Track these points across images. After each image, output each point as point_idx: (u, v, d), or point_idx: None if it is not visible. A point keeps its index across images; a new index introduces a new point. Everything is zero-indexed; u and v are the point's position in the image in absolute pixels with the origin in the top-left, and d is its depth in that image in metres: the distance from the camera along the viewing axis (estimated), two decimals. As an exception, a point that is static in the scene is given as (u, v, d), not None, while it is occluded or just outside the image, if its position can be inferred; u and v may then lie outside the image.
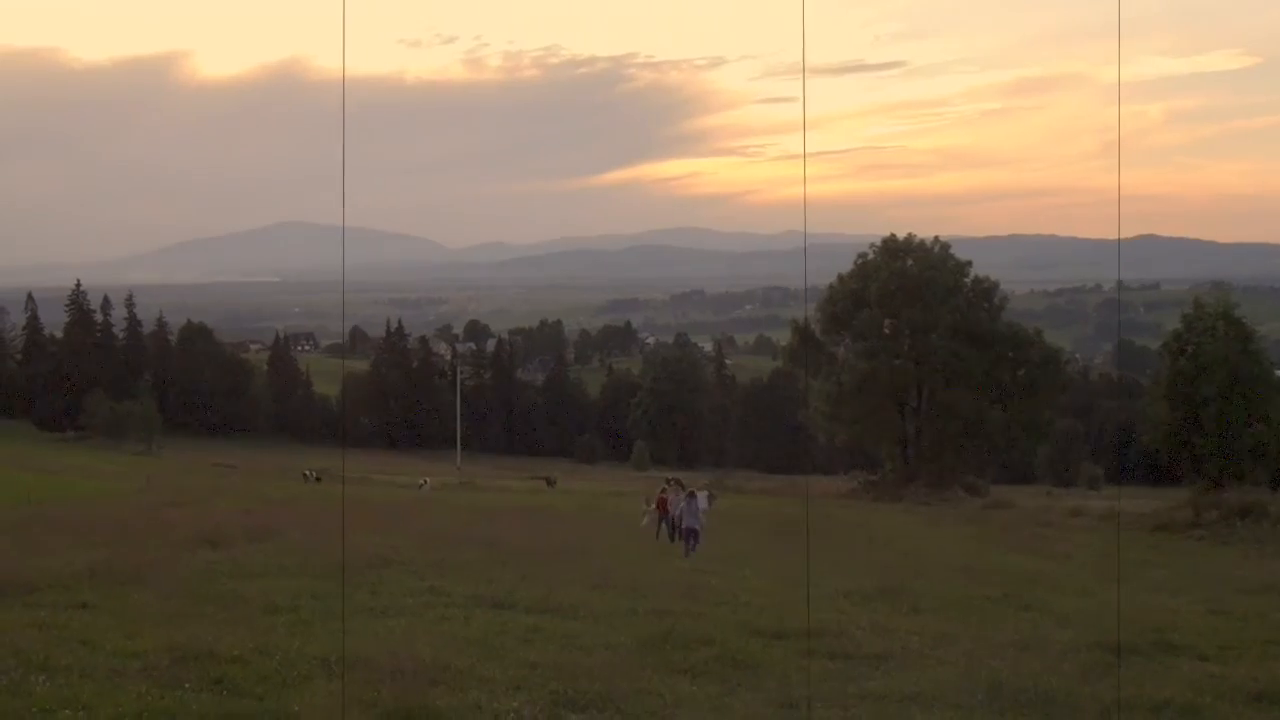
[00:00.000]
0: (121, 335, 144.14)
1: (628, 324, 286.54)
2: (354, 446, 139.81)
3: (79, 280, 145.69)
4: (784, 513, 45.96)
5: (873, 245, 64.87)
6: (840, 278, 65.38)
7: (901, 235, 64.73)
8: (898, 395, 63.27)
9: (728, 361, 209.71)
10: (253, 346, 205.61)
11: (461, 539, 27.50)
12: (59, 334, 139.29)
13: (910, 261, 63.07)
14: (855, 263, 64.91)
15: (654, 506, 33.69)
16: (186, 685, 11.11)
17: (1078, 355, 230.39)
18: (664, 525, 31.87)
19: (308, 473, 69.49)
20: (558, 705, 11.01)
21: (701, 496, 30.34)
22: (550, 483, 76.60)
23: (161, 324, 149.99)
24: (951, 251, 64.25)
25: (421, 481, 66.69)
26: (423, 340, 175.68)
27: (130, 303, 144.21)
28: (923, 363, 61.76)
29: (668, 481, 35.29)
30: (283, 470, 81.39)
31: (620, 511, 43.89)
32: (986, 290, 63.84)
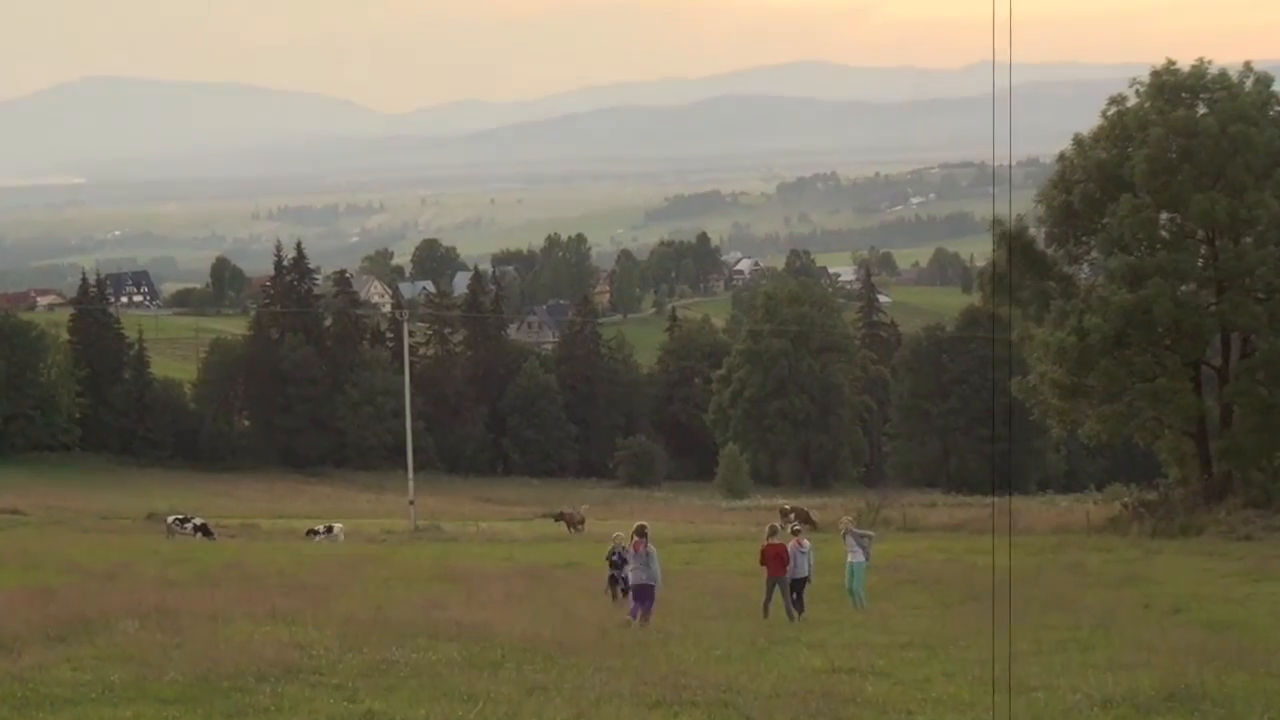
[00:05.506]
0: None
1: (702, 237, 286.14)
2: (229, 470, 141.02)
3: None
4: (990, 562, 45.87)
5: (1135, 82, 64.42)
6: (1078, 142, 64.99)
7: (1185, 65, 64.17)
8: (1187, 348, 62.89)
9: (881, 297, 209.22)
10: (42, 300, 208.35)
11: (420, 626, 27.69)
12: None
13: (1202, 110, 62.54)
14: (1104, 115, 64.50)
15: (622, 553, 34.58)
16: None
17: None
18: (776, 590, 32.24)
19: (174, 520, 69.63)
20: None
21: (850, 538, 30.49)
22: (571, 523, 76.76)
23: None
24: (1275, 90, 63.65)
25: (318, 529, 66.62)
26: (341, 277, 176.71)
27: None
28: (1231, 288, 61.32)
29: (782, 514, 35.52)
30: (104, 515, 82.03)
31: (694, 565, 43.89)
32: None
